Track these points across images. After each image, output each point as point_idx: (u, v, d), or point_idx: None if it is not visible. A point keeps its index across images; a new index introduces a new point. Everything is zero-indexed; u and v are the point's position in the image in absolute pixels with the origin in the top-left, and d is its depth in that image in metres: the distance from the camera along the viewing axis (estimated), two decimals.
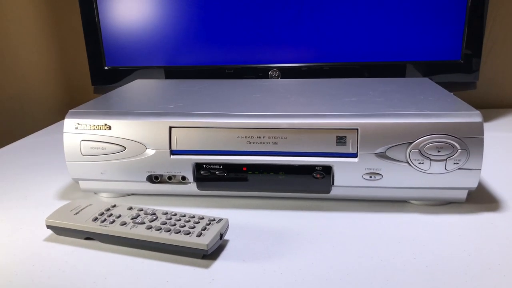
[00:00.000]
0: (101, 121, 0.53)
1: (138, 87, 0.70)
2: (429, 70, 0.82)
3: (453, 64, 0.81)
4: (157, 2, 0.83)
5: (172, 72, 0.87)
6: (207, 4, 0.83)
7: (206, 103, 0.57)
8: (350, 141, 0.50)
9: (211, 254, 0.42)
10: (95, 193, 0.58)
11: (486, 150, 0.70)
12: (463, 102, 0.54)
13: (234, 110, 0.53)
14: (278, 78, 0.84)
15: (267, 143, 0.51)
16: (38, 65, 1.06)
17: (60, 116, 1.10)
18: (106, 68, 0.88)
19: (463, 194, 0.51)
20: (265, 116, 0.51)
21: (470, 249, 0.43)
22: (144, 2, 0.84)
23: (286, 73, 0.84)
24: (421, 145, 0.48)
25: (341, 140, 0.50)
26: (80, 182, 0.56)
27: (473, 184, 0.50)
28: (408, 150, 0.49)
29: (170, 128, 0.52)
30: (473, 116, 0.48)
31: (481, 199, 0.54)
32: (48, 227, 0.46)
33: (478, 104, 0.99)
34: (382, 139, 0.49)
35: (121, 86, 0.88)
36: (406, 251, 0.43)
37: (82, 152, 0.53)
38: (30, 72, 1.07)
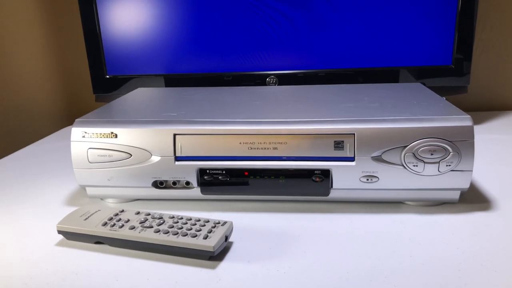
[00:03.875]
0: (107, 130, 0.55)
1: (141, 95, 0.72)
2: (422, 75, 0.85)
3: (445, 69, 0.84)
4: (156, 12, 0.86)
5: (172, 80, 0.89)
6: (205, 13, 0.85)
7: (208, 110, 0.59)
8: (347, 145, 0.52)
9: (217, 255, 0.44)
10: (101, 199, 0.60)
11: (477, 151, 0.73)
12: (454, 106, 0.56)
13: (235, 117, 0.55)
14: (275, 84, 0.87)
15: (268, 148, 0.53)
16: (39, 73, 1.08)
17: (61, 123, 1.11)
18: (107, 77, 0.89)
19: (456, 195, 0.54)
20: (266, 123, 0.53)
21: (463, 247, 0.45)
22: (143, 11, 0.86)
23: (283, 80, 0.87)
24: (415, 148, 0.51)
25: (338, 145, 0.52)
26: (87, 188, 0.58)
27: (465, 185, 0.52)
28: (402, 154, 0.51)
29: (175, 135, 0.54)
30: (464, 120, 0.51)
31: (473, 199, 0.56)
32: (60, 232, 0.48)
33: (469, 107, 1.02)
34: (377, 143, 0.51)
35: (122, 94, 0.90)
36: (402, 250, 0.45)
37: (89, 160, 0.55)
38: (31, 81, 1.09)
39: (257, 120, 0.54)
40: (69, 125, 1.09)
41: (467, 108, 1.02)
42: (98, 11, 0.86)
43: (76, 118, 1.08)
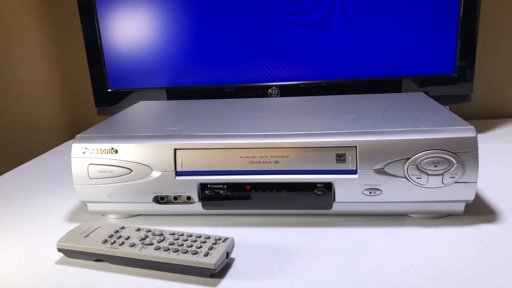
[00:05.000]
0: (107, 145, 0.55)
1: (142, 109, 0.72)
2: (425, 84, 0.84)
3: (448, 78, 0.83)
4: (157, 25, 0.86)
5: (174, 93, 0.89)
6: (206, 25, 0.85)
7: (209, 124, 0.59)
8: (349, 158, 0.51)
9: (218, 272, 0.44)
10: (102, 214, 0.60)
11: (481, 160, 0.72)
12: (458, 117, 0.56)
13: (236, 130, 0.55)
14: (277, 95, 0.86)
15: (269, 162, 0.53)
16: (42, 87, 1.08)
17: (64, 137, 1.12)
18: (109, 90, 0.90)
19: (460, 207, 0.53)
20: (267, 136, 0.53)
21: (468, 261, 0.45)
22: (144, 25, 0.86)
23: (285, 91, 0.86)
24: (418, 160, 0.50)
25: (340, 158, 0.51)
26: (88, 204, 0.58)
27: (470, 197, 0.51)
28: (406, 166, 0.50)
29: (175, 150, 0.53)
30: (468, 131, 0.50)
31: (478, 210, 0.55)
32: (60, 250, 0.48)
33: (473, 115, 1.01)
34: (380, 155, 0.50)
35: (124, 107, 0.90)
36: (407, 264, 0.45)
37: (90, 176, 0.55)
38: (34, 95, 1.09)
39: (258, 134, 0.53)
40: (72, 138, 1.09)
41: (471, 116, 1.01)
42: (100, 25, 0.86)
43: (79, 131, 1.08)
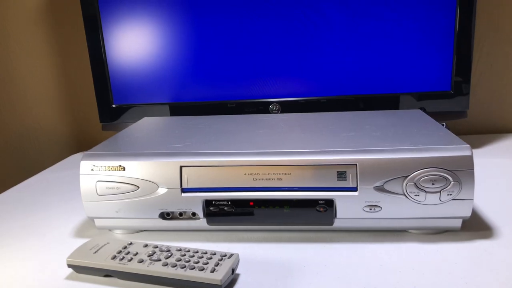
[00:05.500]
0: (115, 163, 0.56)
1: (147, 126, 0.74)
2: (422, 101, 0.86)
3: (444, 95, 0.86)
4: (161, 41, 0.88)
5: (177, 108, 0.91)
6: (209, 43, 0.87)
7: (213, 141, 0.61)
8: (350, 176, 0.53)
9: None
10: (109, 230, 0.61)
11: (478, 176, 0.74)
12: (454, 135, 0.58)
13: (240, 148, 0.57)
14: (278, 111, 0.88)
15: (272, 179, 0.54)
16: (46, 101, 1.10)
17: (68, 151, 1.13)
18: (113, 106, 0.91)
19: (458, 223, 0.54)
20: (270, 154, 0.55)
21: (467, 277, 0.46)
22: (147, 42, 0.88)
23: (285, 107, 0.88)
24: (416, 178, 0.52)
25: (341, 175, 0.53)
26: (95, 220, 0.59)
27: (467, 213, 0.53)
28: (404, 183, 0.52)
29: (181, 167, 0.55)
30: (464, 150, 0.52)
31: (475, 226, 0.57)
32: (69, 266, 0.49)
33: (469, 131, 1.03)
34: (380, 173, 0.52)
35: (128, 122, 0.92)
36: (406, 280, 0.46)
37: (98, 192, 0.56)
38: (38, 108, 1.11)
39: (262, 151, 0.55)
40: (76, 152, 1.11)
41: (467, 131, 1.03)
42: (105, 41, 0.89)
43: (83, 145, 1.09)
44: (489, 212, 0.61)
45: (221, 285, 0.44)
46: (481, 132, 1.03)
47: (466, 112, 0.86)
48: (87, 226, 0.63)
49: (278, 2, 0.85)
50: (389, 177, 0.52)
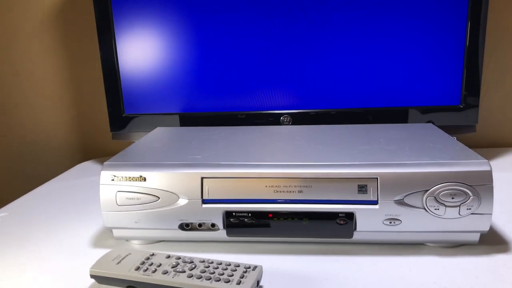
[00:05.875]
0: (136, 173, 0.56)
1: (162, 136, 0.74)
2: (431, 114, 0.87)
3: (453, 109, 0.87)
4: (172, 52, 0.88)
5: (187, 118, 0.91)
6: (219, 53, 0.88)
7: (232, 152, 0.61)
8: (370, 189, 0.54)
9: None
10: (126, 240, 0.61)
11: None
12: (470, 150, 0.58)
13: (260, 159, 0.57)
14: (289, 123, 0.89)
15: (293, 191, 0.55)
16: (54, 109, 1.10)
17: (76, 159, 1.13)
18: (124, 115, 0.92)
19: (476, 237, 0.55)
20: (291, 166, 0.55)
21: None
22: (159, 52, 0.89)
23: (296, 118, 0.89)
24: (436, 192, 0.52)
25: (362, 189, 0.54)
26: (114, 230, 0.59)
27: (485, 228, 0.54)
28: (424, 197, 0.53)
29: (202, 178, 0.55)
30: (483, 165, 0.53)
31: (492, 240, 0.57)
32: (92, 276, 0.49)
33: (475, 144, 1.04)
34: (400, 187, 0.53)
35: (138, 132, 0.92)
36: None
37: (118, 202, 0.56)
38: (47, 116, 1.10)
39: (283, 164, 0.56)
40: (84, 161, 1.11)
41: (474, 145, 1.04)
42: (117, 51, 0.89)
43: (91, 153, 1.09)
44: (502, 226, 0.61)
45: None
46: (488, 146, 1.04)
47: (475, 126, 0.87)
48: (105, 236, 0.63)
49: (290, 14, 0.86)
50: (410, 190, 0.53)
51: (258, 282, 0.47)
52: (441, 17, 0.84)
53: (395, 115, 0.88)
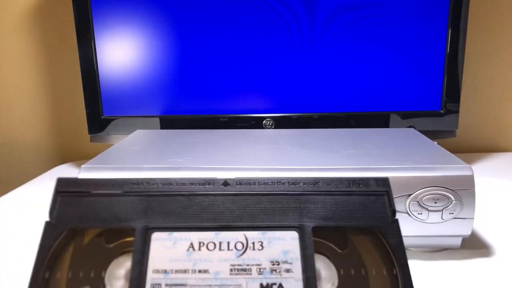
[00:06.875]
0: (115, 177, 0.54)
1: (142, 138, 0.72)
2: (412, 119, 0.88)
3: (434, 114, 0.87)
4: (153, 55, 0.87)
5: (167, 121, 0.89)
6: (201, 56, 0.87)
7: (213, 155, 0.60)
8: None
9: None
10: None
11: None
12: (453, 155, 0.59)
13: (242, 163, 0.56)
14: (272, 127, 0.88)
15: None
16: (30, 110, 1.07)
17: (52, 162, 1.10)
18: (103, 117, 0.89)
19: (458, 241, 0.55)
20: (274, 170, 0.54)
21: None
22: (140, 54, 0.87)
23: (278, 122, 0.88)
24: (419, 197, 0.52)
25: None
26: None
27: (467, 232, 0.54)
28: (407, 202, 0.53)
29: None
30: (465, 170, 0.53)
31: (474, 244, 0.58)
32: None
33: (456, 149, 1.05)
34: None
35: (117, 134, 0.90)
36: None
37: None
38: (22, 118, 1.07)
39: (266, 167, 0.55)
40: (61, 164, 1.08)
41: (455, 150, 1.05)
42: (97, 52, 0.87)
43: (67, 156, 1.06)
44: (483, 229, 0.62)
45: None
46: (468, 151, 1.06)
47: (455, 131, 0.88)
48: None
49: (271, 18, 0.85)
50: (394, 195, 0.52)
51: None
52: (422, 23, 0.85)
53: (377, 119, 0.89)
